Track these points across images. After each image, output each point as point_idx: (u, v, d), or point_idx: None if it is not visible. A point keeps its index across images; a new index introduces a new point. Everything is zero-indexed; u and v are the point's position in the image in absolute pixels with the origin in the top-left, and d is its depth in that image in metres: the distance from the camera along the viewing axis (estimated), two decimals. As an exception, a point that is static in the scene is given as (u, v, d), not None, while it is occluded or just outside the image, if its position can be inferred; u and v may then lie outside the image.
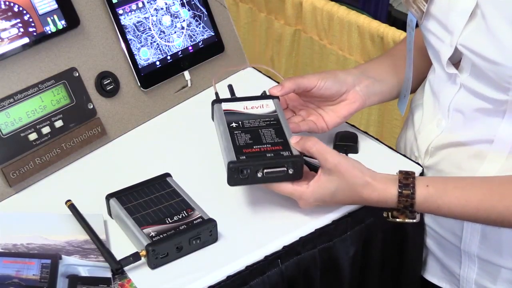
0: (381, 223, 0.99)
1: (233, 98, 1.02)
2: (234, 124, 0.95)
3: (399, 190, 0.88)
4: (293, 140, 0.92)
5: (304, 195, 0.90)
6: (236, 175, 0.88)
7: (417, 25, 0.99)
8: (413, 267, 1.09)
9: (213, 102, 1.00)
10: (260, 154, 0.90)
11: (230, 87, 1.05)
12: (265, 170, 0.89)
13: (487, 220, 0.88)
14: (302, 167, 0.90)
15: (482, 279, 1.01)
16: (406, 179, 0.89)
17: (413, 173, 0.90)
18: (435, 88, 1.01)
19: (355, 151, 1.06)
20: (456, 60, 0.94)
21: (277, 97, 1.01)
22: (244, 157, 0.89)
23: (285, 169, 0.89)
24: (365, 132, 1.13)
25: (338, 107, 1.03)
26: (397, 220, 0.91)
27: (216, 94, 1.02)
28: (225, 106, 0.99)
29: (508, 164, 0.92)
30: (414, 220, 0.90)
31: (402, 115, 1.17)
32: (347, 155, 1.00)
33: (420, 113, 1.06)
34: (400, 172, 0.90)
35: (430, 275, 1.10)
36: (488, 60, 0.86)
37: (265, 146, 0.91)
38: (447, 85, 0.97)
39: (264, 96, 1.01)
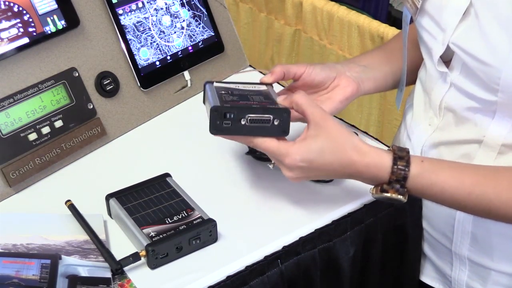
0: (381, 223, 0.99)
1: (227, 82, 0.99)
2: (223, 92, 0.92)
3: (394, 160, 0.85)
4: (280, 98, 0.90)
5: (290, 150, 0.85)
6: (219, 120, 0.85)
7: (411, 21, 0.99)
8: (412, 267, 1.09)
9: (205, 83, 0.97)
10: (245, 104, 0.88)
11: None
12: (250, 116, 0.86)
13: (476, 206, 0.85)
14: (289, 120, 0.87)
15: (473, 281, 1.01)
16: (400, 152, 0.86)
17: (407, 148, 0.87)
18: (426, 86, 1.01)
19: None
20: (448, 59, 0.94)
21: (271, 85, 0.99)
22: (229, 104, 0.87)
23: (271, 117, 0.86)
24: (365, 132, 1.13)
25: (333, 93, 1.01)
26: (386, 194, 0.85)
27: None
28: (217, 84, 0.96)
29: (497, 165, 0.92)
30: (402, 198, 0.85)
31: (398, 110, 1.17)
32: None
33: (412, 112, 1.06)
34: (393, 146, 0.87)
35: (424, 276, 1.10)
36: (478, 60, 0.86)
37: (252, 102, 0.89)
38: (438, 83, 0.96)
39: (257, 83, 0.99)
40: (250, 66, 1.31)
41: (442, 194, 0.86)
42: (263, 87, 0.97)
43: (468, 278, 1.01)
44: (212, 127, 0.86)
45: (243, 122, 0.86)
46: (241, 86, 0.96)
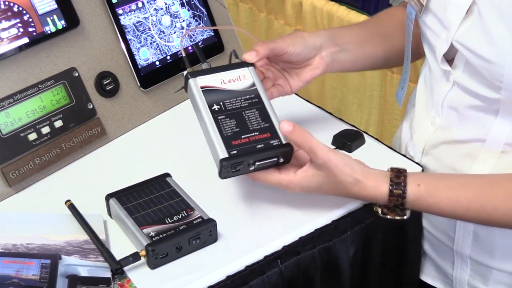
0: (381, 223, 0.99)
1: (208, 70, 0.96)
2: (215, 107, 0.91)
3: (390, 189, 0.88)
4: (283, 129, 0.88)
5: (291, 183, 0.89)
6: (229, 170, 0.88)
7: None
8: (412, 267, 1.09)
9: (188, 76, 0.94)
10: (250, 146, 0.88)
11: (198, 48, 1.02)
12: (257, 163, 0.88)
13: (476, 220, 0.89)
14: (292, 154, 0.90)
15: (474, 280, 1.02)
16: (397, 178, 0.88)
17: (405, 170, 0.89)
18: (429, 84, 1.01)
19: (348, 150, 1.06)
20: (451, 57, 0.94)
21: (252, 64, 0.97)
22: (236, 151, 0.88)
23: (276, 159, 0.89)
24: (365, 132, 1.12)
25: (303, 71, 1.01)
26: (387, 217, 0.91)
27: (185, 59, 0.97)
28: (201, 81, 0.93)
29: (500, 163, 0.92)
30: (404, 217, 0.90)
31: (400, 107, 1.17)
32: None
33: (414, 111, 1.06)
34: (392, 169, 0.89)
35: (425, 275, 1.10)
36: (482, 57, 0.86)
37: (253, 135, 0.89)
38: (441, 82, 0.97)
39: (239, 64, 0.96)
40: (250, 66, 1.31)
41: (440, 212, 0.89)
42: (249, 80, 0.94)
43: (470, 277, 1.02)
44: (222, 175, 0.89)
45: (251, 168, 0.89)
46: (226, 81, 0.94)
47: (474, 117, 0.93)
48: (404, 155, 1.06)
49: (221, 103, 0.92)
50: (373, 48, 1.07)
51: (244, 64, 0.96)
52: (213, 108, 0.91)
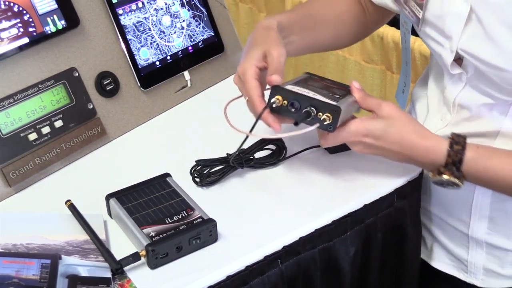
0: (381, 223, 0.99)
1: (306, 97, 0.92)
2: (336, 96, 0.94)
3: (451, 144, 0.89)
4: (356, 85, 0.93)
5: (360, 125, 0.90)
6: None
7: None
8: (412, 267, 1.09)
9: (338, 109, 0.89)
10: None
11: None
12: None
13: None
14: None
15: (490, 263, 1.02)
16: (457, 137, 0.90)
17: (465, 135, 0.91)
18: (440, 84, 1.01)
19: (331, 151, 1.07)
20: (458, 56, 0.93)
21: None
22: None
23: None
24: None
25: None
26: (443, 176, 0.90)
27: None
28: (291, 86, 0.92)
29: None
30: (458, 181, 0.89)
31: (404, 109, 1.17)
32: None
33: (424, 107, 1.06)
34: (452, 133, 0.91)
35: (437, 262, 1.09)
36: (490, 65, 0.86)
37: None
38: (452, 81, 0.96)
39: (279, 90, 0.92)
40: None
41: (497, 179, 0.89)
42: (303, 89, 0.93)
43: (486, 261, 1.02)
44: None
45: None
46: (313, 89, 0.93)
47: (485, 114, 0.93)
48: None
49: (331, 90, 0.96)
50: (316, 36, 1.07)
51: (278, 89, 0.91)
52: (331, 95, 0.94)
